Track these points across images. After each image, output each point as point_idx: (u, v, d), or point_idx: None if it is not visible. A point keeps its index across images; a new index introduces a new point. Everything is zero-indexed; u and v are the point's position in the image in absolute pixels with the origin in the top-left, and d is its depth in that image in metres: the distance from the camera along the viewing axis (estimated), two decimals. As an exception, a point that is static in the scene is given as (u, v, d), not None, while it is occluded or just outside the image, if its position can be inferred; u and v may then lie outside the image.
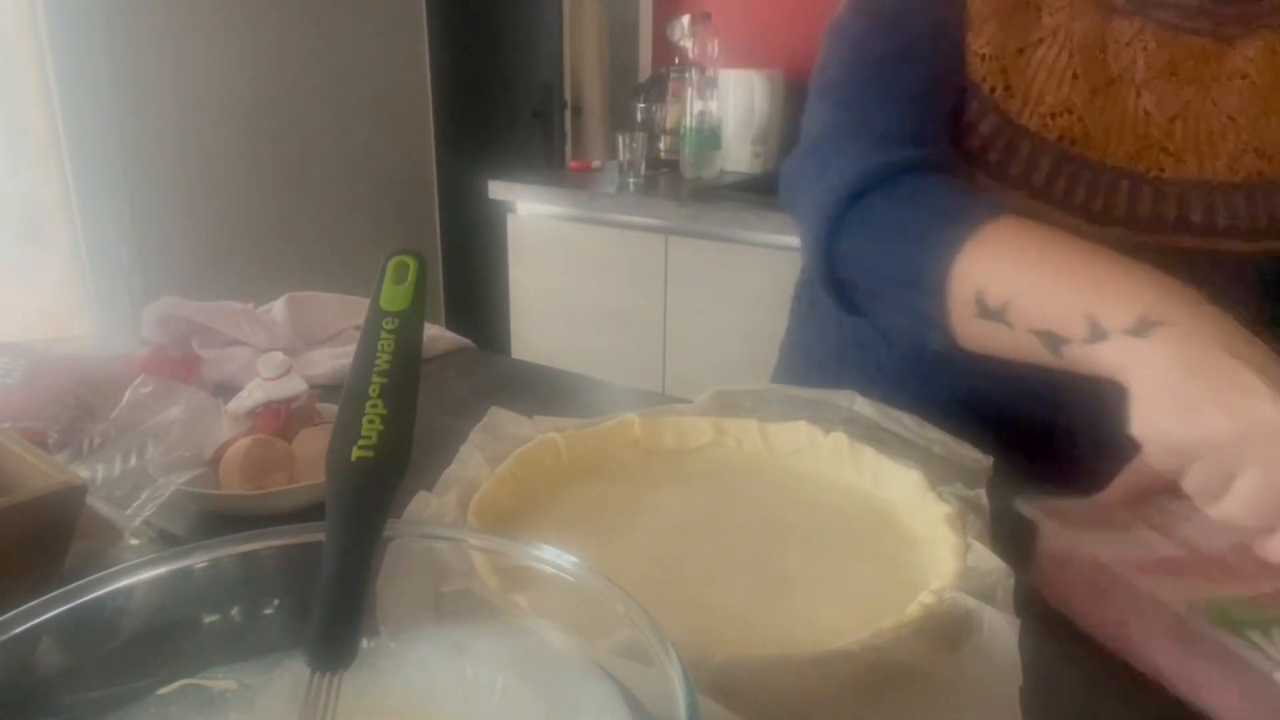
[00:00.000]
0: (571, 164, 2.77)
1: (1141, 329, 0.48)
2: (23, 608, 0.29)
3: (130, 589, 0.32)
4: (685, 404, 0.70)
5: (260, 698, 0.34)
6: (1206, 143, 0.71)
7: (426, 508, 0.52)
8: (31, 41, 2.24)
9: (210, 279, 2.57)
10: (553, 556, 0.34)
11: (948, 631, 0.41)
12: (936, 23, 0.74)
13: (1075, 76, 0.71)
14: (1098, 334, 0.51)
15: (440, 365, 0.95)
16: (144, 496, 0.57)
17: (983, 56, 0.72)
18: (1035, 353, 0.56)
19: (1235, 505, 0.44)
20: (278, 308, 0.98)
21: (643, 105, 2.49)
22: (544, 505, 0.57)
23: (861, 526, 0.55)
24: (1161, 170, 0.71)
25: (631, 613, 0.31)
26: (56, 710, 0.32)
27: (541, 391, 0.86)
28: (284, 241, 2.79)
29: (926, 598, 0.43)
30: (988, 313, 0.57)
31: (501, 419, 0.65)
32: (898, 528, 0.54)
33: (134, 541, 0.54)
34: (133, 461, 0.63)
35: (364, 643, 0.32)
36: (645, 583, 0.47)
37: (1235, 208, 0.70)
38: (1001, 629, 0.41)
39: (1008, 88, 0.72)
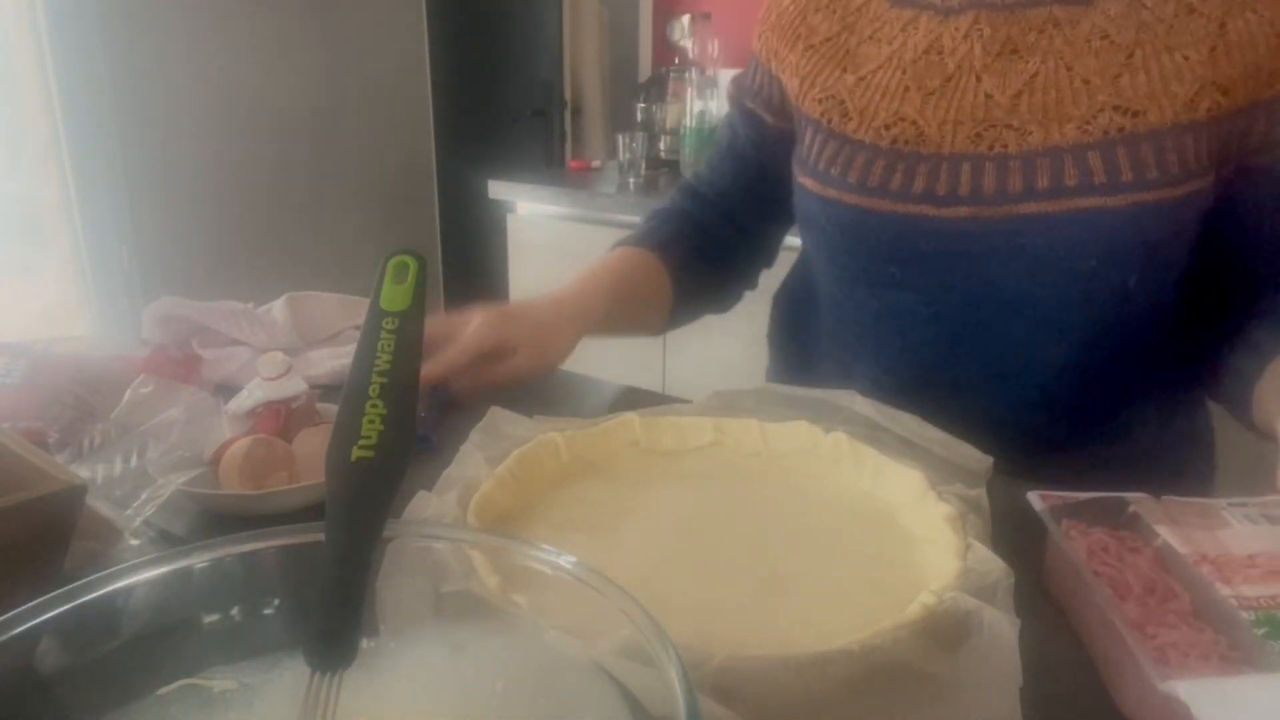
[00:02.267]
0: (571, 164, 2.77)
1: None
2: (23, 608, 0.29)
3: (130, 589, 0.32)
4: (685, 404, 0.70)
5: (260, 698, 0.34)
6: (1055, 110, 0.73)
7: (426, 508, 0.52)
8: (31, 41, 2.24)
9: (210, 279, 2.57)
10: (553, 556, 0.34)
11: (948, 631, 0.41)
12: (741, 101, 0.94)
13: (907, 89, 0.78)
14: None
15: (440, 365, 0.95)
16: (144, 496, 0.57)
17: (820, 99, 0.82)
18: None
19: None
20: (278, 308, 0.98)
21: (643, 105, 2.49)
22: (544, 505, 0.57)
23: (861, 526, 0.55)
24: (1005, 146, 0.74)
25: (631, 613, 0.31)
26: (56, 710, 0.32)
27: (541, 391, 0.85)
28: (284, 241, 2.79)
29: (926, 598, 0.43)
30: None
31: (501, 419, 0.65)
32: (898, 528, 0.54)
33: (134, 541, 0.54)
34: (133, 461, 0.63)
35: (364, 643, 0.32)
36: (645, 583, 0.47)
37: (1089, 166, 0.72)
38: (1001, 629, 0.41)
39: (845, 114, 0.80)
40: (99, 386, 0.74)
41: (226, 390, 0.78)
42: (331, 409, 0.68)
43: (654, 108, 2.47)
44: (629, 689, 0.32)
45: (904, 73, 0.78)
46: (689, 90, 2.29)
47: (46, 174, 2.33)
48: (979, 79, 0.75)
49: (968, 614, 0.42)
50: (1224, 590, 0.45)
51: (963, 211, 0.75)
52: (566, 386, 0.91)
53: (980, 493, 0.56)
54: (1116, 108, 0.72)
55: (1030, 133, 0.73)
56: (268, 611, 0.36)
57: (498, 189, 2.35)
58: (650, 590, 0.32)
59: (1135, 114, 0.71)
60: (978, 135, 0.75)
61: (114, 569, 0.32)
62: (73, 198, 2.36)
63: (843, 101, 0.80)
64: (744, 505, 0.57)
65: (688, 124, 2.30)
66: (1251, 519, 0.52)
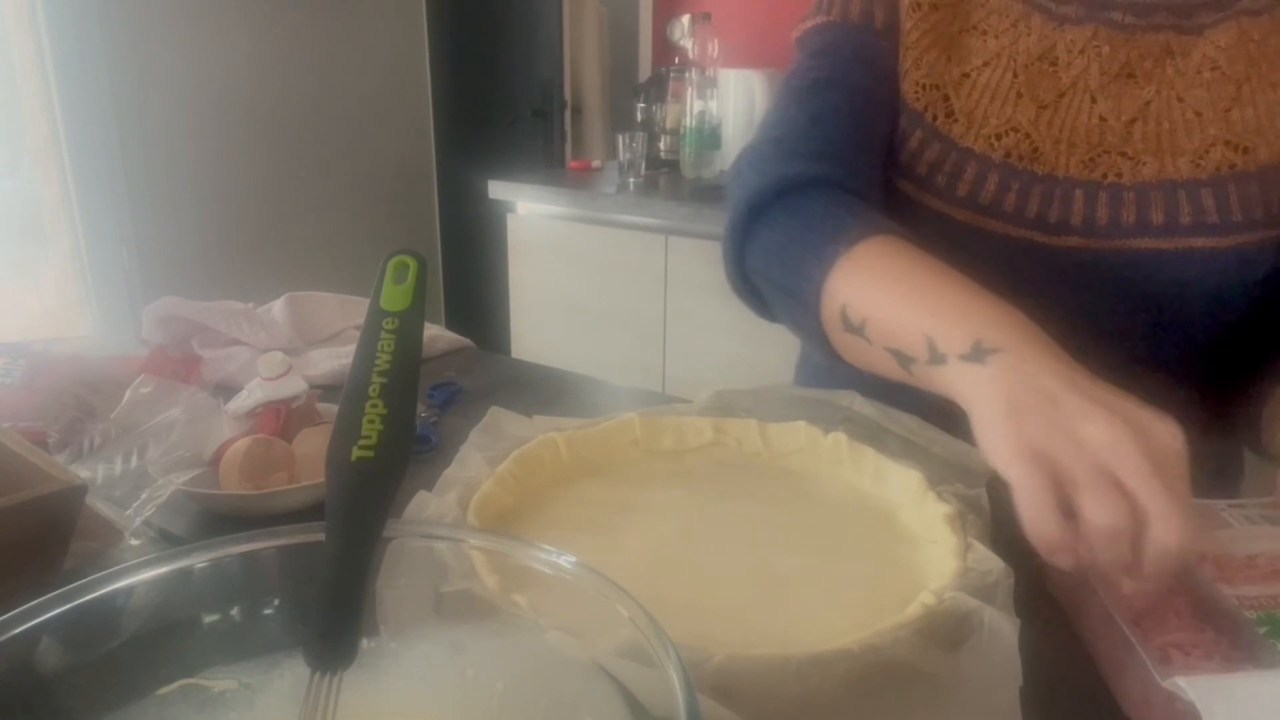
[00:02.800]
0: (571, 164, 2.77)
1: (976, 355, 0.50)
2: (23, 608, 0.29)
3: (130, 589, 0.32)
4: (685, 404, 0.70)
5: (260, 698, 0.34)
6: (1168, 141, 0.71)
7: (426, 508, 0.52)
8: (31, 41, 2.24)
9: (210, 279, 2.57)
10: (553, 556, 0.34)
11: (948, 631, 0.41)
12: (862, 54, 0.76)
13: (1020, 95, 0.73)
14: (936, 357, 0.52)
15: (440, 365, 0.95)
16: (144, 496, 0.57)
17: (923, 86, 0.74)
18: (892, 369, 0.57)
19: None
20: (278, 308, 0.98)
21: (643, 105, 2.49)
22: (544, 505, 0.57)
23: (861, 526, 0.55)
24: (1119, 175, 0.71)
25: (631, 613, 0.31)
26: (56, 710, 0.32)
27: (541, 391, 0.86)
28: (284, 241, 2.79)
29: (926, 598, 0.43)
30: (851, 328, 0.60)
31: (501, 419, 0.65)
32: (898, 528, 0.54)
33: (134, 541, 0.54)
34: (133, 461, 0.63)
35: (364, 643, 0.32)
36: (645, 583, 0.47)
37: (1201, 204, 0.70)
38: (1001, 629, 0.41)
39: (950, 113, 0.74)
40: (99, 386, 0.74)
41: (226, 390, 0.78)
42: (331, 409, 0.68)
43: (654, 108, 2.47)
44: (629, 689, 0.32)
45: (1016, 76, 0.73)
46: (689, 90, 2.28)
47: (46, 174, 2.32)
48: (1094, 99, 0.72)
49: (968, 614, 0.42)
50: (1226, 590, 0.45)
51: (1073, 241, 0.72)
52: (566, 386, 0.91)
53: (980, 493, 0.56)
54: (1227, 143, 0.70)
55: (1144, 163, 0.71)
56: (268, 611, 0.36)
57: (498, 189, 2.35)
58: (650, 590, 0.32)
59: (1245, 150, 0.70)
60: (1091, 160, 0.72)
61: (114, 569, 0.32)
62: (73, 198, 2.36)
63: (948, 96, 0.74)
64: (744, 505, 0.57)
65: (688, 124, 2.29)
66: (1251, 520, 0.52)
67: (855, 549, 0.52)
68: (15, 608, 0.29)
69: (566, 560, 0.34)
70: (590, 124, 3.18)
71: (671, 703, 0.27)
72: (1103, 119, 0.72)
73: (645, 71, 2.90)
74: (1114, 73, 0.71)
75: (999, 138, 0.73)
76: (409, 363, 0.36)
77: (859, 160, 0.73)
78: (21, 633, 0.29)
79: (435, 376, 0.89)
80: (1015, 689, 0.39)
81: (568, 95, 3.15)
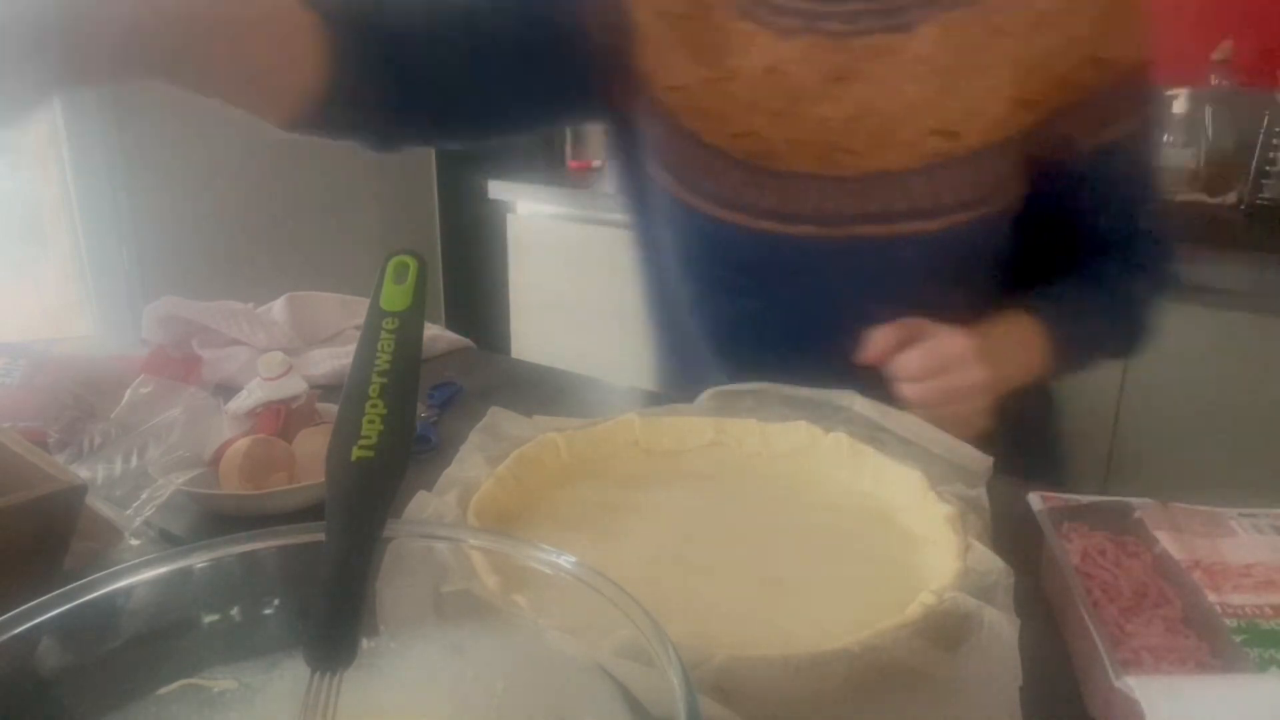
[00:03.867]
0: (571, 164, 2.77)
1: None
2: (23, 608, 0.29)
3: (130, 589, 0.32)
4: (685, 404, 0.70)
5: (260, 698, 0.34)
6: (885, 135, 0.76)
7: (426, 508, 0.52)
8: (31, 41, 2.23)
9: (210, 279, 2.57)
10: (553, 556, 0.34)
11: (948, 631, 0.41)
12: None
13: (756, 104, 0.78)
14: None
15: (440, 365, 0.95)
16: (144, 496, 0.57)
17: (672, 88, 0.80)
18: None
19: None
20: (278, 308, 0.98)
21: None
22: (544, 505, 0.57)
23: (861, 526, 0.55)
24: (844, 169, 0.77)
25: (631, 613, 0.31)
26: (56, 710, 0.32)
27: (541, 391, 0.86)
28: (284, 241, 2.79)
29: (926, 598, 0.43)
30: None
31: (501, 419, 0.65)
32: (898, 528, 0.54)
33: (134, 541, 0.54)
34: (133, 461, 0.63)
35: (364, 643, 0.32)
36: (645, 583, 0.47)
37: (914, 191, 0.76)
38: (1001, 629, 0.41)
39: (697, 114, 0.79)
40: (99, 386, 0.74)
41: (226, 390, 0.78)
42: (331, 409, 0.68)
43: (654, 108, 2.46)
44: (629, 689, 0.32)
45: (750, 88, 0.79)
46: (689, 90, 2.28)
47: (46, 174, 2.32)
48: (816, 103, 0.77)
49: (968, 614, 0.42)
50: (1211, 597, 0.45)
51: (807, 229, 0.78)
52: (566, 386, 0.91)
53: (980, 493, 0.56)
54: (938, 131, 0.75)
55: (865, 157, 0.77)
56: (268, 611, 0.36)
57: (498, 189, 2.35)
58: (650, 590, 0.32)
59: (955, 136, 0.75)
60: (819, 157, 0.78)
61: (114, 569, 0.32)
62: (72, 198, 2.36)
63: (696, 99, 0.80)
64: (744, 505, 0.57)
65: (688, 124, 2.29)
66: (1260, 530, 0.52)
67: (855, 549, 0.52)
68: (15, 608, 0.29)
69: (566, 560, 0.34)
70: (590, 124, 3.18)
71: (671, 703, 0.27)
72: (825, 119, 0.77)
73: (645, 71, 2.89)
74: (832, 76, 0.77)
75: (738, 138, 0.79)
76: (409, 363, 0.36)
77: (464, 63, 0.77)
78: (21, 633, 0.29)
79: (435, 376, 0.89)
80: (1015, 689, 0.39)
81: (568, 95, 3.15)
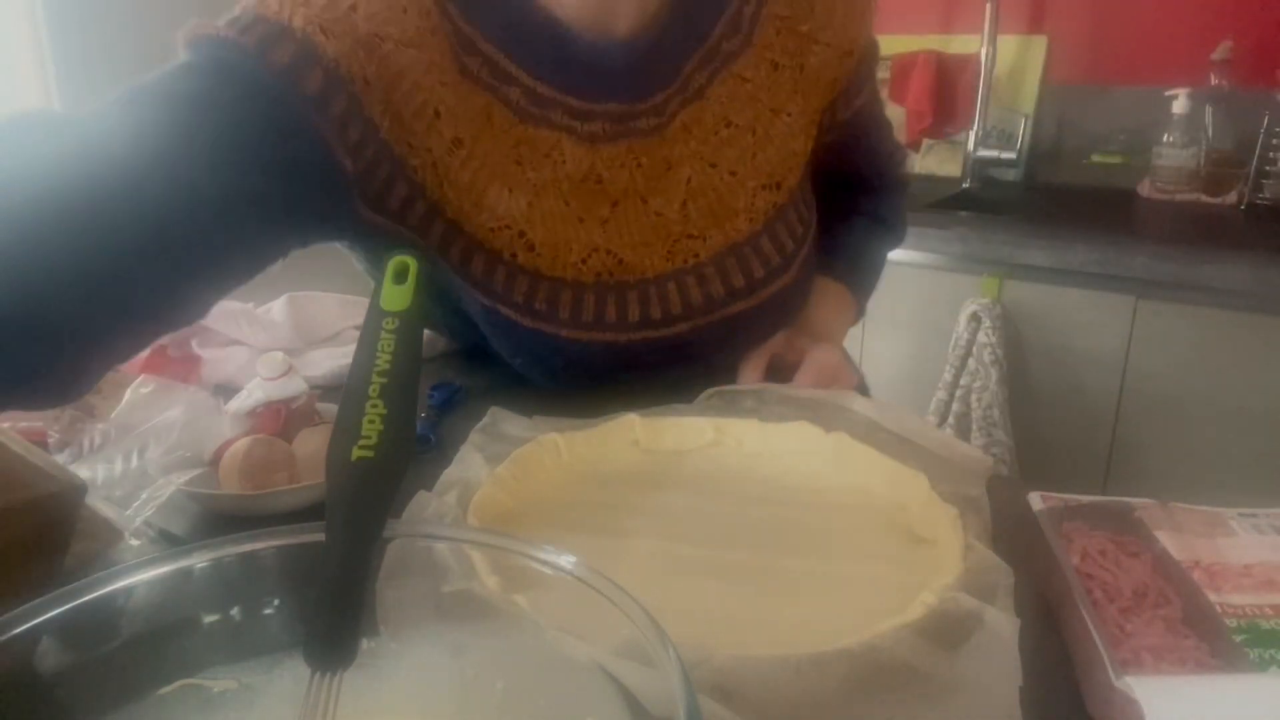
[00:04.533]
0: (571, 164, 2.76)
1: None
2: (23, 608, 0.29)
3: (130, 589, 0.32)
4: (685, 404, 0.70)
5: (260, 698, 0.34)
6: (721, 208, 0.75)
7: (426, 508, 0.52)
8: (31, 41, 2.24)
9: (210, 279, 2.57)
10: (553, 556, 0.34)
11: (948, 631, 0.41)
12: (255, 95, 0.59)
13: (581, 220, 0.72)
14: None
15: (440, 365, 0.95)
16: (144, 496, 0.57)
17: (496, 228, 0.69)
18: None
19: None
20: (278, 308, 0.98)
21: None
22: (544, 505, 0.57)
23: (861, 526, 0.55)
24: (696, 256, 0.75)
25: (631, 613, 0.31)
26: (56, 710, 0.32)
27: (541, 391, 0.85)
28: (284, 241, 2.79)
29: (926, 598, 0.43)
30: None
31: (501, 419, 0.65)
32: (898, 528, 0.54)
33: (134, 541, 0.54)
34: (133, 461, 0.63)
35: (364, 643, 0.32)
36: (645, 582, 0.47)
37: (764, 253, 0.77)
38: (1001, 629, 0.41)
39: (530, 248, 0.71)
40: (99, 386, 0.74)
41: (226, 390, 0.78)
42: (331, 409, 0.68)
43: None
44: (629, 689, 0.32)
45: (568, 203, 0.71)
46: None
47: (46, 174, 2.32)
48: (644, 200, 0.73)
49: (968, 614, 0.42)
50: (1211, 597, 0.45)
51: (682, 328, 0.75)
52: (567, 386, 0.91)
53: (980, 493, 0.56)
54: (764, 186, 0.76)
55: (710, 238, 0.75)
56: (268, 611, 0.36)
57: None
58: (650, 590, 0.32)
59: (778, 185, 0.77)
60: (669, 253, 0.74)
61: (114, 569, 0.32)
62: (73, 198, 2.36)
63: (523, 232, 0.70)
64: (744, 505, 0.57)
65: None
66: (1260, 530, 0.52)
67: (855, 549, 0.52)
68: (15, 608, 0.29)
69: (566, 560, 0.34)
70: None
71: (671, 703, 0.27)
72: (659, 214, 0.74)
73: (645, 71, 2.89)
74: (655, 172, 0.73)
75: (584, 261, 0.72)
76: (409, 363, 0.36)
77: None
78: (21, 633, 0.29)
79: (435, 376, 0.89)
80: (1015, 689, 0.39)
81: (568, 95, 3.15)
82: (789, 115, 0.77)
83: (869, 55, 0.83)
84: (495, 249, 0.70)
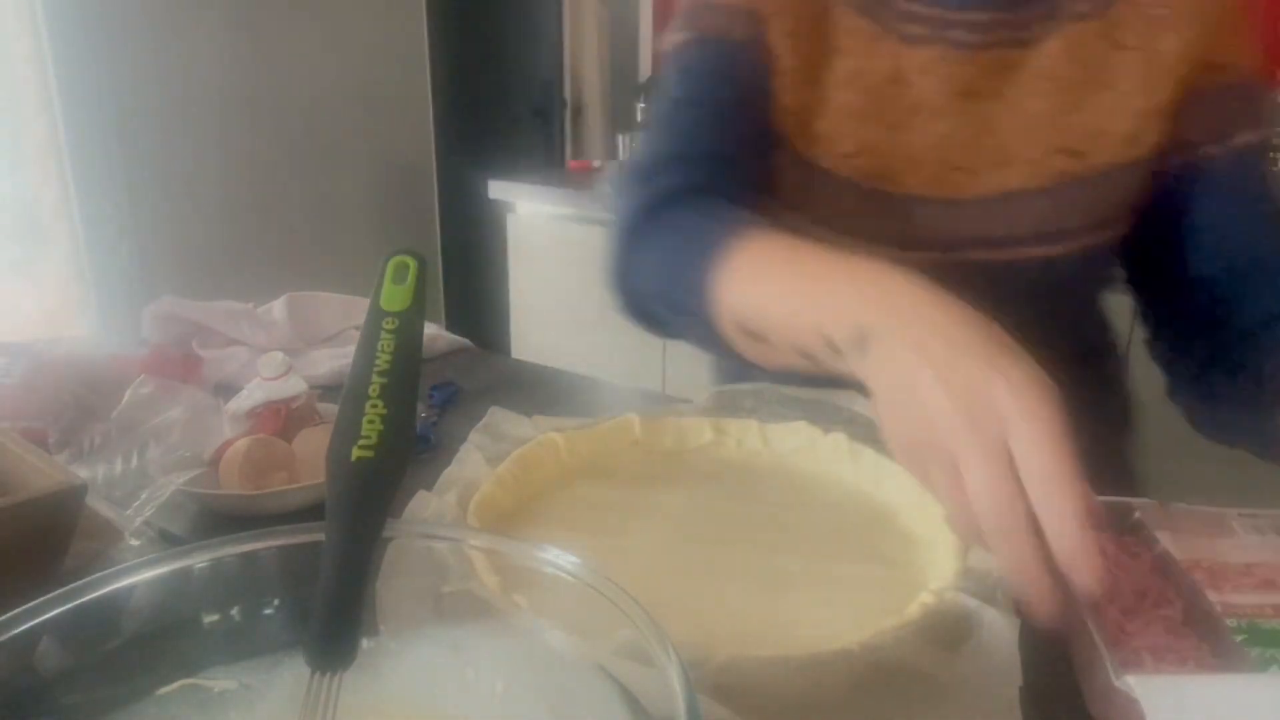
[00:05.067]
0: (571, 164, 2.77)
1: (860, 344, 0.47)
2: (23, 608, 0.29)
3: (130, 589, 0.32)
4: (685, 404, 0.70)
5: (260, 698, 0.34)
6: (1006, 154, 0.72)
7: (426, 508, 0.52)
8: (31, 41, 2.23)
9: (210, 279, 2.57)
10: (553, 556, 0.34)
11: (948, 631, 0.41)
12: (720, 69, 0.74)
13: (870, 117, 0.73)
14: (833, 349, 0.50)
15: (440, 365, 0.95)
16: (144, 496, 0.57)
17: (785, 109, 0.73)
18: (805, 364, 0.54)
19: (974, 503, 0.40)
20: (278, 308, 0.98)
21: (643, 105, 2.49)
22: (544, 505, 0.57)
23: (861, 526, 0.55)
24: (959, 190, 0.73)
25: (631, 613, 0.31)
26: (56, 710, 0.32)
27: (541, 391, 0.85)
28: (284, 241, 2.79)
29: (926, 598, 0.43)
30: (751, 334, 0.57)
31: (501, 419, 0.65)
32: (898, 528, 0.54)
33: (134, 541, 0.54)
34: (133, 461, 0.63)
35: (364, 643, 0.32)
36: (645, 583, 0.47)
37: (1039, 213, 0.72)
38: (1001, 629, 0.41)
39: (809, 137, 0.73)
40: (99, 386, 0.74)
41: (226, 390, 0.78)
42: (331, 409, 0.68)
43: (654, 108, 2.47)
44: (629, 689, 0.32)
45: (867, 98, 0.73)
46: (689, 90, 2.28)
47: (46, 174, 2.32)
48: (938, 118, 0.73)
49: (968, 614, 0.42)
50: (1212, 597, 0.45)
51: (925, 256, 0.72)
52: (567, 386, 0.91)
53: (980, 493, 0.56)
54: (1062, 150, 0.72)
55: (983, 177, 0.73)
56: (268, 611, 0.36)
57: (498, 189, 2.35)
58: (650, 590, 0.32)
59: (1080, 155, 0.72)
60: (936, 178, 0.73)
61: (114, 569, 0.32)
62: (73, 197, 2.36)
63: (808, 120, 0.74)
64: (743, 505, 0.57)
65: (688, 124, 2.29)
66: (1260, 530, 0.52)
67: (855, 549, 0.52)
68: (15, 608, 0.29)
69: (566, 560, 0.34)
70: (590, 124, 3.18)
71: (671, 703, 0.27)
72: (945, 136, 0.73)
73: (646, 71, 2.90)
74: (956, 91, 0.72)
75: (850, 158, 0.73)
76: (409, 363, 0.36)
77: (726, 170, 0.72)
78: (21, 633, 0.29)
79: (435, 376, 0.89)
80: (1015, 689, 0.39)
81: (568, 95, 3.16)
82: (1118, 96, 0.72)
83: (1248, 91, 0.72)
84: (780, 133, 0.73)
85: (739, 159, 0.74)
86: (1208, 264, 0.73)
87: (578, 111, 3.18)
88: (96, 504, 0.54)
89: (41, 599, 0.30)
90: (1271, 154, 0.74)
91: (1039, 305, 0.70)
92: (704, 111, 0.74)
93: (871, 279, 0.49)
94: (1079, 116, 0.72)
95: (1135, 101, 0.71)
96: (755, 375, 0.73)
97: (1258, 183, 0.73)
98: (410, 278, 0.38)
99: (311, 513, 0.54)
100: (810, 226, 0.74)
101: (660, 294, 0.67)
